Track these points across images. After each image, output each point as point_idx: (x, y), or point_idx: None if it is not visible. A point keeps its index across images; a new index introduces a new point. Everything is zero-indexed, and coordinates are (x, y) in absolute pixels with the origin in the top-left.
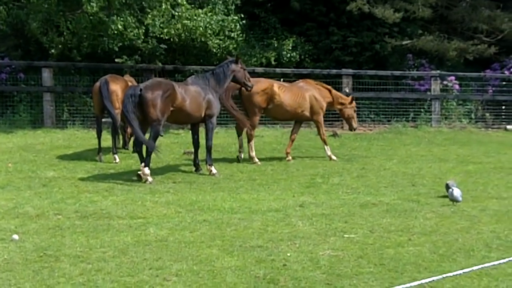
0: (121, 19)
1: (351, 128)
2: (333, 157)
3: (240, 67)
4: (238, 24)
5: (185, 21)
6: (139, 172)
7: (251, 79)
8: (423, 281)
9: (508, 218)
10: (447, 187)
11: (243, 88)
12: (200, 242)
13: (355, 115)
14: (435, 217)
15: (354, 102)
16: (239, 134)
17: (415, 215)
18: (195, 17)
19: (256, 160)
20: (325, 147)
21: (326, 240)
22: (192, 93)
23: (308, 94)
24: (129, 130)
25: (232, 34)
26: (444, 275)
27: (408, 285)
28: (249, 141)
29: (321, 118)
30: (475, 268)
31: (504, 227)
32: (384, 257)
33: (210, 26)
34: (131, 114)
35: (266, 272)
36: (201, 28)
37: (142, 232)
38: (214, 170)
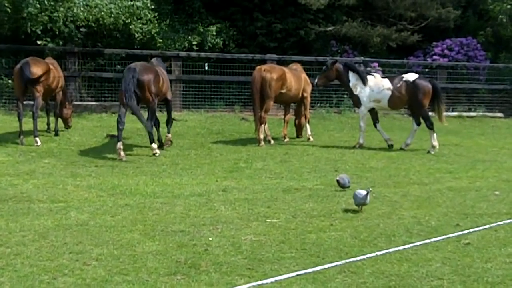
0: (37, 2)
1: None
2: (311, 138)
3: None
4: (147, 7)
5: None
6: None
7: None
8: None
9: (429, 203)
10: (341, 184)
11: (263, 74)
12: (122, 227)
13: None
14: None
15: None
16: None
17: (337, 201)
18: (101, 4)
19: (263, 143)
20: (307, 126)
21: (249, 225)
22: (166, 75)
23: (303, 76)
24: (65, 111)
25: (149, 16)
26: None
27: (328, 265)
28: (261, 123)
29: (308, 99)
30: (393, 249)
31: (425, 212)
32: (306, 242)
33: (120, 10)
34: (132, 94)
35: (187, 257)
36: (110, 11)
37: (63, 216)
38: (170, 136)
